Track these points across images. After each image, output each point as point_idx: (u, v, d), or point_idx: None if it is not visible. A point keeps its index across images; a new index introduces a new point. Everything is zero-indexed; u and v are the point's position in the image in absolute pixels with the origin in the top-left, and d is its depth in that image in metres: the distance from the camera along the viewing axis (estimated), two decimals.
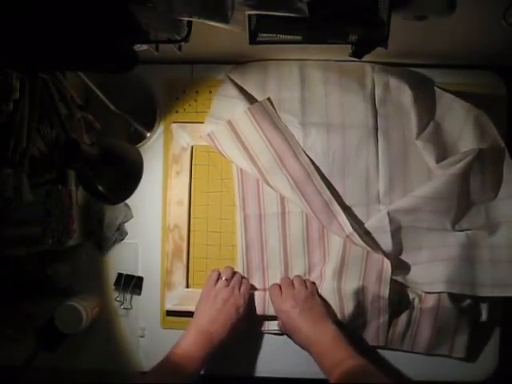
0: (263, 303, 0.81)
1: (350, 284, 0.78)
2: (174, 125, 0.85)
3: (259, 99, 0.83)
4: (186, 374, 0.68)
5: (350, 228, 0.77)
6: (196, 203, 0.85)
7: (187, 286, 0.84)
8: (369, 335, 0.80)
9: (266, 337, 0.83)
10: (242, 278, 0.81)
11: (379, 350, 0.82)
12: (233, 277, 0.80)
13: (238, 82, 0.84)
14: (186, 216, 0.84)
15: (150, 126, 0.85)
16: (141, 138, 0.85)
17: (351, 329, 0.79)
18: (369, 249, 0.77)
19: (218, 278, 0.80)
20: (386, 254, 0.78)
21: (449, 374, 0.82)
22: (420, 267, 0.79)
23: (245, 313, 0.76)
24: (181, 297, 0.83)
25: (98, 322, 0.83)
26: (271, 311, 0.80)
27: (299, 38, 0.58)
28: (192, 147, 0.85)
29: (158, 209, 0.85)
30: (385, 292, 0.77)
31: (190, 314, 0.82)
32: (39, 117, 0.59)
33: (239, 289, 0.78)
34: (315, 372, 0.78)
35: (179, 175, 0.84)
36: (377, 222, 0.79)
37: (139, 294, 0.84)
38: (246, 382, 0.77)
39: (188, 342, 0.72)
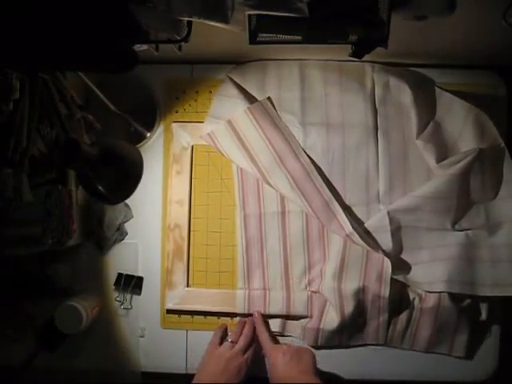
0: (263, 303, 0.81)
1: (351, 284, 0.78)
2: (174, 124, 0.85)
3: (259, 99, 0.83)
4: None
5: (350, 227, 0.77)
6: (196, 203, 0.85)
7: (187, 286, 0.84)
8: (369, 334, 0.80)
9: None
10: (249, 339, 0.78)
11: (379, 350, 0.82)
12: (240, 335, 0.78)
13: (238, 82, 0.84)
14: (186, 216, 0.84)
15: (150, 126, 0.85)
16: (141, 138, 0.84)
17: (351, 328, 0.79)
18: (369, 248, 0.77)
19: (225, 333, 0.80)
20: (386, 254, 0.78)
21: (449, 374, 0.81)
22: (420, 267, 0.79)
23: (245, 375, 0.75)
24: (181, 296, 0.83)
25: (97, 322, 0.83)
26: (272, 310, 0.80)
27: (299, 37, 0.58)
28: (192, 147, 0.85)
29: (157, 209, 0.85)
30: (385, 291, 0.77)
31: (189, 313, 0.83)
32: (39, 117, 0.59)
33: (244, 353, 0.76)
34: None
35: (179, 175, 0.84)
36: (377, 221, 0.79)
37: (139, 293, 0.84)
38: (245, 382, 0.77)
39: None
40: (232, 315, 0.83)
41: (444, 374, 0.81)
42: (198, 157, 0.85)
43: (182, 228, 0.84)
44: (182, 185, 0.84)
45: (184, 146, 0.85)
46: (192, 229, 0.84)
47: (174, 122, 0.85)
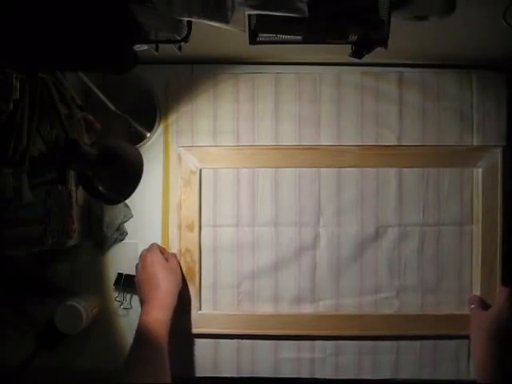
0: None
1: None
2: (181, 149, 0.84)
3: None
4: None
5: None
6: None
7: (200, 309, 0.84)
8: None
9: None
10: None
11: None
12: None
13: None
14: (196, 239, 0.84)
15: (150, 126, 0.85)
16: (141, 138, 0.85)
17: None
18: None
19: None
20: None
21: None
22: None
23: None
24: (194, 321, 0.83)
25: (98, 322, 0.83)
26: None
27: (299, 38, 0.58)
28: (200, 170, 0.84)
29: (157, 209, 0.85)
30: None
31: (202, 336, 0.83)
32: (39, 117, 0.59)
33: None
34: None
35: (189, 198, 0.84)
36: None
37: None
38: (247, 382, 0.77)
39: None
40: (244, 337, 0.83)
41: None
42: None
43: (192, 252, 0.84)
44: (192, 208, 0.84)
45: (192, 170, 0.84)
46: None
47: (181, 146, 0.85)
